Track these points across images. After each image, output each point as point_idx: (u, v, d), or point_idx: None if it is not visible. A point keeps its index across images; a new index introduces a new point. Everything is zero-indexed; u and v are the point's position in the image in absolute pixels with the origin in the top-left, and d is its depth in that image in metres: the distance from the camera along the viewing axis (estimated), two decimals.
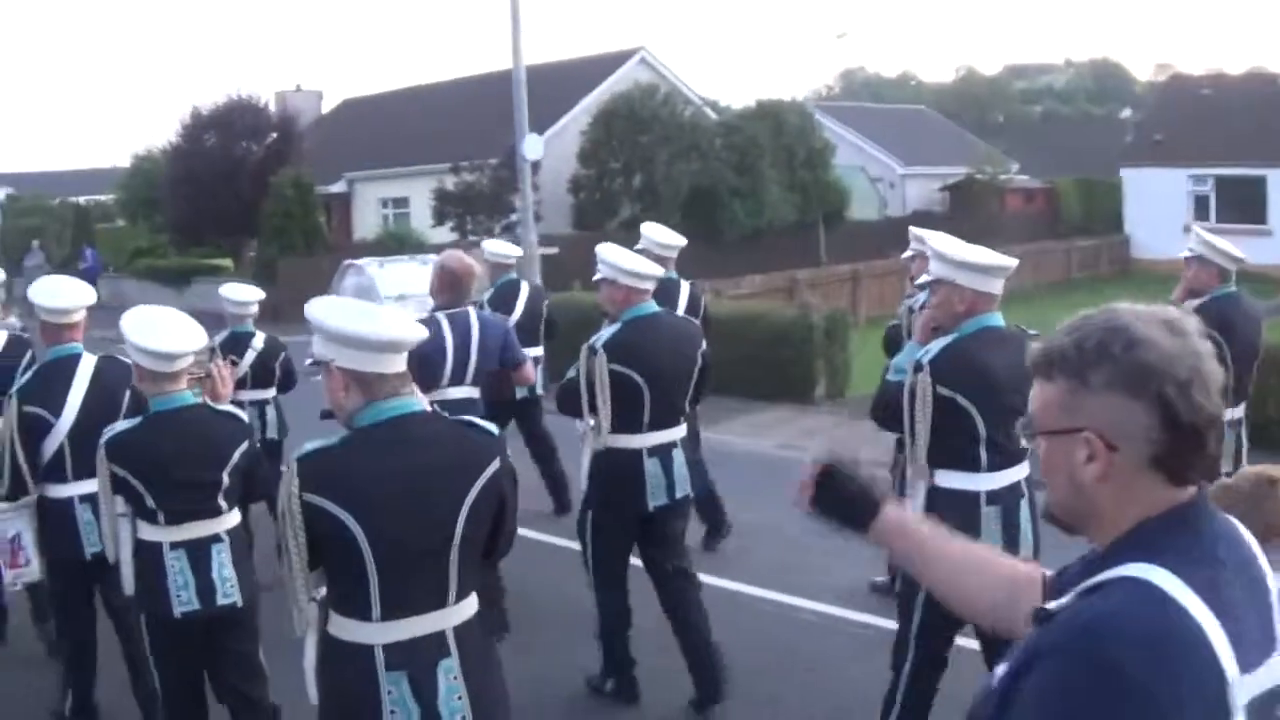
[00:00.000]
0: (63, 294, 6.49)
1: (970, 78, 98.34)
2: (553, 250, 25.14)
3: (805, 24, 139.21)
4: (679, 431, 6.92)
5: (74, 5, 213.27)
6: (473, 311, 8.10)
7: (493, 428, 4.16)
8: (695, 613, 6.94)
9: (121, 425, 5.39)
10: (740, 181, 35.87)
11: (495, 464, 4.00)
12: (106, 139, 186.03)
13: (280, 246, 32.87)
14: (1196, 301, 7.41)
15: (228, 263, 37.69)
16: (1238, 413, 7.68)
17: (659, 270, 7.21)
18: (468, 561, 3.99)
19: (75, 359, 6.36)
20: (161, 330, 5.29)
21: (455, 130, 38.07)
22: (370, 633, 3.86)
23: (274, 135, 39.03)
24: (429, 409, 4.11)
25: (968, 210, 45.92)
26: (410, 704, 3.85)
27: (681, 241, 9.82)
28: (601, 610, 7.06)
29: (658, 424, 6.78)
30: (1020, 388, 4.99)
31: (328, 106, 52.91)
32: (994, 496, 5.47)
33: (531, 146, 24.39)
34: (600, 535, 6.94)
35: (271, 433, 9.65)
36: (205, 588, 5.34)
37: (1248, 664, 2.00)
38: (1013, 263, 5.54)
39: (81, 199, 50.95)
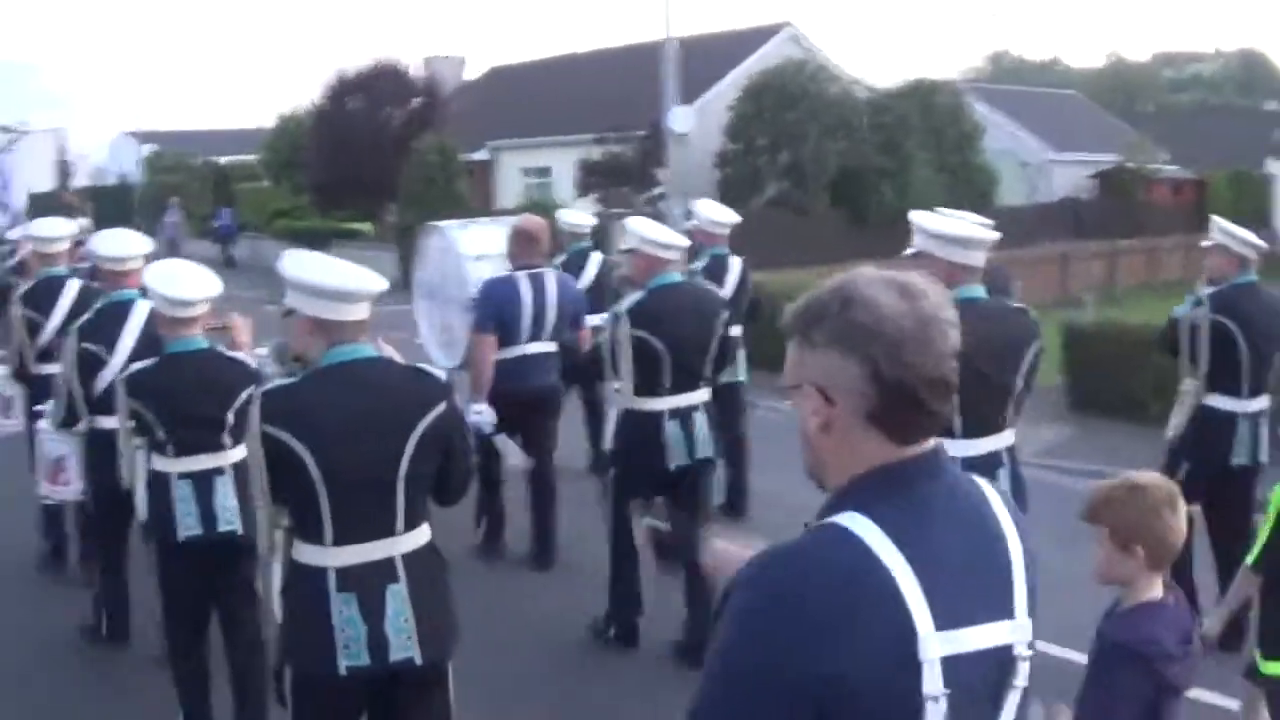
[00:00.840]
0: (120, 244, 7.19)
1: (1119, 64, 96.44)
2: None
3: (955, 3, 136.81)
4: (700, 395, 7.33)
5: None
6: (549, 271, 8.85)
7: (442, 375, 4.58)
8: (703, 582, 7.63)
9: (139, 364, 5.96)
10: (888, 162, 35.12)
11: (440, 408, 4.43)
12: (251, 100, 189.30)
13: (420, 213, 32.66)
14: (1212, 289, 7.42)
15: (367, 227, 37.66)
16: (1256, 405, 7.41)
17: (684, 241, 7.73)
18: (414, 495, 4.41)
19: (130, 303, 6.98)
20: (179, 280, 5.87)
21: (601, 101, 37.61)
22: (324, 556, 4.31)
23: (418, 100, 38.94)
24: (385, 355, 4.50)
25: (1116, 199, 44.83)
26: (359, 623, 4.28)
27: (734, 219, 9.94)
28: (613, 554, 7.47)
29: (679, 388, 7.20)
30: (999, 361, 5.48)
31: (470, 74, 52.69)
32: (969, 464, 5.43)
33: (680, 119, 23.97)
34: (621, 490, 7.27)
35: None
36: (208, 515, 5.92)
37: (948, 620, 2.06)
38: (990, 235, 5.75)
39: (224, 159, 51.33)
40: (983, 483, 2.32)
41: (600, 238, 13.81)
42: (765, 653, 2.04)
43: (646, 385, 7.14)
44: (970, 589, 2.14)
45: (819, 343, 2.21)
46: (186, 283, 5.87)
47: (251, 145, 51.48)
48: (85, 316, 7.18)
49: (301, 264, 4.42)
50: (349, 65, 39.94)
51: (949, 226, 5.68)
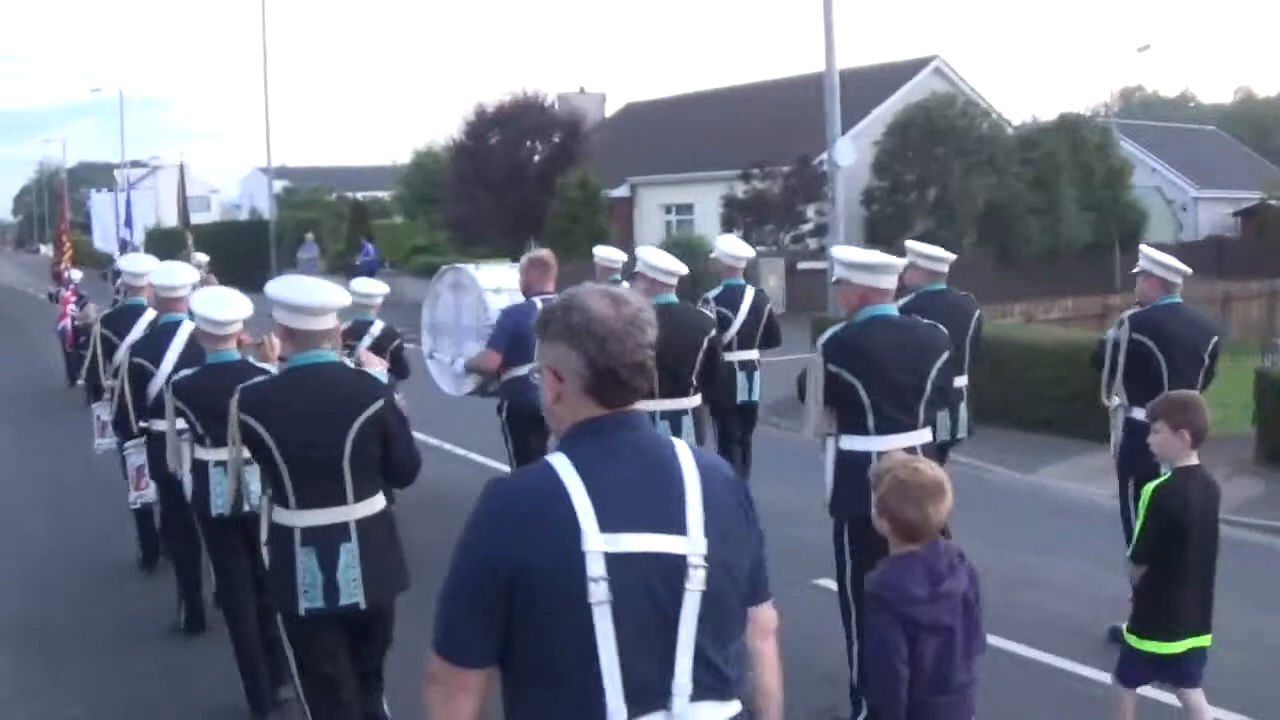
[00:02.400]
0: (172, 275, 8.53)
1: (1248, 99, 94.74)
2: None
3: (1094, 38, 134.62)
4: (687, 401, 8.72)
5: (357, 4, 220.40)
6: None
7: (383, 377, 5.73)
8: None
9: (184, 372, 7.20)
10: (1037, 199, 34.51)
11: (379, 403, 5.47)
12: (384, 137, 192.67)
13: (564, 248, 32.45)
14: (1138, 309, 8.13)
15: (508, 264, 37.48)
16: None
17: (683, 268, 9.22)
18: (362, 472, 5.48)
19: (177, 324, 8.19)
20: (219, 304, 7.04)
21: (742, 137, 37.48)
22: (291, 518, 5.48)
23: (558, 136, 38.89)
24: (339, 360, 5.65)
25: (1262, 237, 43.73)
26: (316, 571, 5.43)
27: (750, 253, 11.26)
28: None
29: (666, 393, 8.38)
30: (908, 366, 6.43)
31: (610, 110, 52.91)
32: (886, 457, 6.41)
33: (844, 152, 23.41)
34: None
35: None
36: (238, 495, 6.80)
37: (613, 526, 2.78)
38: (897, 262, 6.62)
39: (358, 194, 51.63)
40: (678, 442, 3.04)
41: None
42: (478, 548, 2.84)
43: None
44: (639, 508, 2.83)
45: (550, 336, 2.93)
46: (224, 306, 7.02)
47: (381, 181, 51.85)
48: (138, 336, 8.67)
49: (279, 285, 5.56)
50: (488, 100, 39.99)
51: (859, 256, 6.59)
